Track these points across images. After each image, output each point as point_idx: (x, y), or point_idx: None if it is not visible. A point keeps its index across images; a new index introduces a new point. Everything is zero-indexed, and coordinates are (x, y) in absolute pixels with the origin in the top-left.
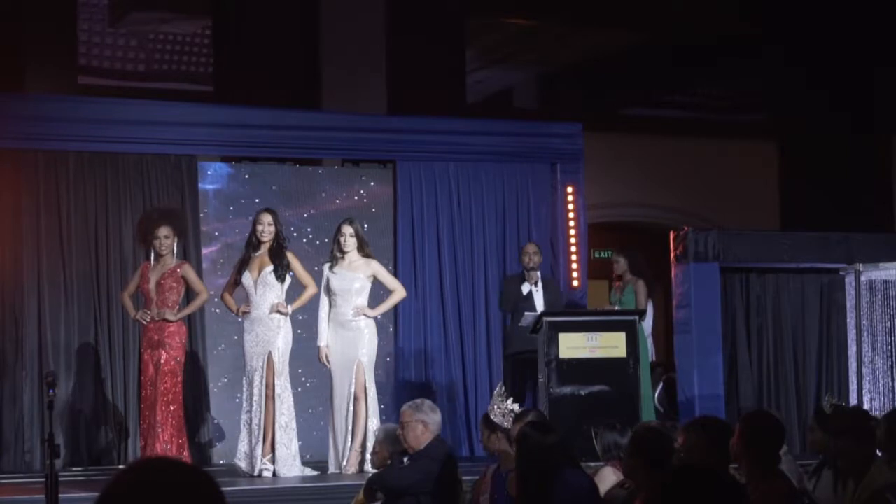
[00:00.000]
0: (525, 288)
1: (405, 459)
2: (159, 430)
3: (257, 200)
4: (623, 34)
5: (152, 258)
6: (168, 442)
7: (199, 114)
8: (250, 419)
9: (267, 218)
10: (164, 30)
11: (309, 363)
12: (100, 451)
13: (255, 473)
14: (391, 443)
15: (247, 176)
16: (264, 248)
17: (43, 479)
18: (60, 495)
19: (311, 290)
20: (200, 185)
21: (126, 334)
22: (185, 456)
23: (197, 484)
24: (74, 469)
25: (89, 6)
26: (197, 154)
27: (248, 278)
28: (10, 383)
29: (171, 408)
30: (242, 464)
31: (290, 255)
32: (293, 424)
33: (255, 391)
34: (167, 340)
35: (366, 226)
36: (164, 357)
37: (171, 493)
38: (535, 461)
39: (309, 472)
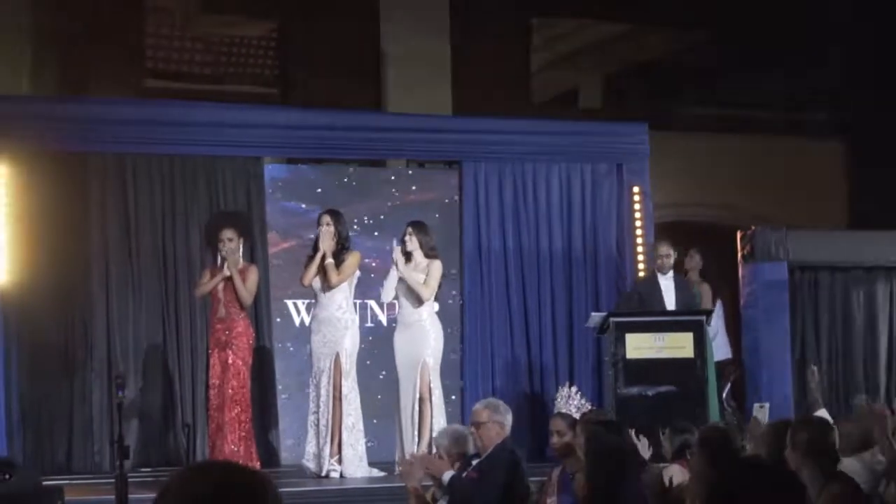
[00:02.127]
0: (663, 284)
1: (473, 462)
2: (227, 432)
3: (323, 202)
4: (688, 32)
5: (219, 260)
6: (236, 444)
7: (266, 116)
8: (317, 420)
9: (326, 219)
10: (231, 33)
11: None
12: (168, 452)
13: (323, 474)
14: (457, 445)
15: (312, 177)
16: (328, 250)
17: (112, 480)
18: (130, 496)
19: (329, 271)
20: (266, 186)
21: (194, 335)
22: (254, 457)
23: (252, 488)
24: (143, 470)
25: (157, 10)
26: (263, 156)
27: (315, 280)
28: (80, 385)
29: (239, 409)
30: (311, 465)
31: (352, 256)
32: (360, 425)
33: (322, 392)
34: (235, 341)
35: (432, 227)
36: (231, 358)
37: (225, 497)
38: (605, 461)
39: (376, 472)
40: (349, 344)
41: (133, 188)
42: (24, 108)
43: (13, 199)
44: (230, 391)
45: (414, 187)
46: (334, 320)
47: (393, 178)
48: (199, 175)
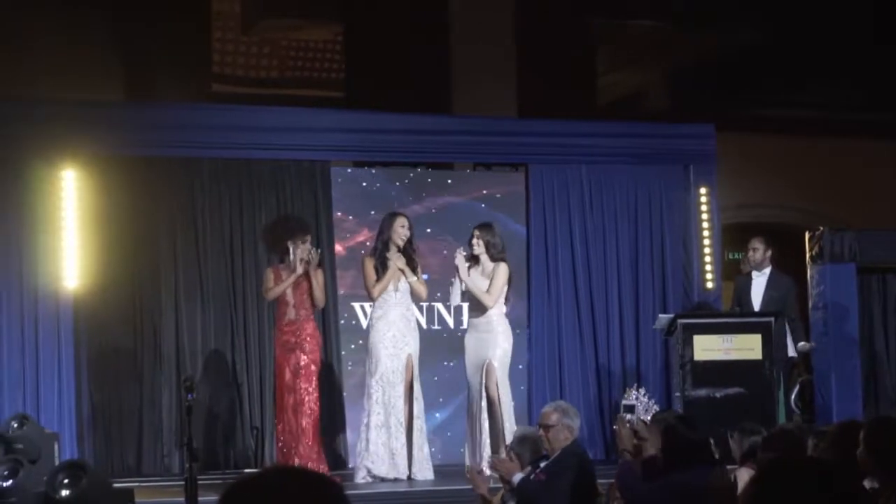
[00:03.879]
0: (755, 281)
1: (541, 464)
2: (301, 435)
3: (390, 205)
4: (753, 33)
5: (293, 262)
6: (309, 447)
7: (332, 120)
8: (379, 420)
9: (399, 221)
10: (296, 36)
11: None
12: (237, 455)
13: (390, 476)
14: (528, 448)
15: (379, 181)
16: (398, 252)
17: (182, 483)
18: (199, 499)
19: (416, 286)
20: (333, 190)
21: (261, 338)
22: (322, 460)
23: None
24: (211, 473)
25: (222, 14)
26: (329, 159)
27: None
28: (149, 388)
29: (310, 411)
30: (370, 465)
31: (418, 259)
32: (425, 427)
33: (390, 393)
34: (305, 343)
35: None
36: (302, 360)
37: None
38: (678, 454)
39: (441, 474)
40: (417, 344)
41: (200, 192)
42: (93, 113)
43: (83, 205)
44: (301, 394)
45: (480, 190)
46: (404, 321)
47: (459, 180)
48: (265, 179)
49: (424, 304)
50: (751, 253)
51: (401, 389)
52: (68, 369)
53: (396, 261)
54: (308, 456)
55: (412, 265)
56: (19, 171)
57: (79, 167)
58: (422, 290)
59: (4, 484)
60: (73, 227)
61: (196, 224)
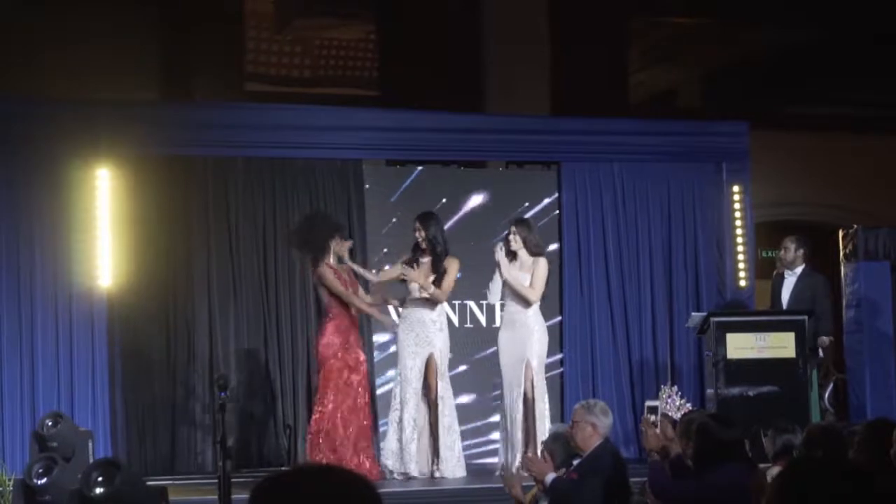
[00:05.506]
0: (787, 280)
1: (573, 463)
2: (353, 434)
3: (423, 204)
4: (785, 31)
5: (346, 258)
6: (362, 448)
7: (365, 118)
8: (400, 418)
9: (417, 224)
10: (329, 35)
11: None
12: (269, 452)
13: (397, 470)
14: (561, 446)
15: (411, 179)
16: (426, 253)
17: (215, 481)
18: (232, 496)
19: (437, 292)
20: (366, 188)
21: (294, 336)
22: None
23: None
24: (244, 471)
25: (256, 14)
26: (362, 158)
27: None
28: (182, 386)
29: (360, 410)
30: (389, 462)
31: (448, 261)
32: (455, 426)
33: (411, 391)
34: (357, 341)
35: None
36: (361, 357)
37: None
38: (708, 452)
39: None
40: (442, 344)
41: (234, 191)
42: (127, 112)
43: (117, 204)
44: (357, 390)
45: (512, 188)
46: (428, 321)
47: (492, 179)
48: (299, 178)
49: (457, 303)
50: (782, 252)
51: (418, 387)
52: (102, 368)
53: (399, 268)
54: (363, 461)
55: (439, 270)
56: (55, 171)
57: (113, 166)
58: (440, 298)
59: (39, 482)
60: (107, 227)
61: (229, 223)
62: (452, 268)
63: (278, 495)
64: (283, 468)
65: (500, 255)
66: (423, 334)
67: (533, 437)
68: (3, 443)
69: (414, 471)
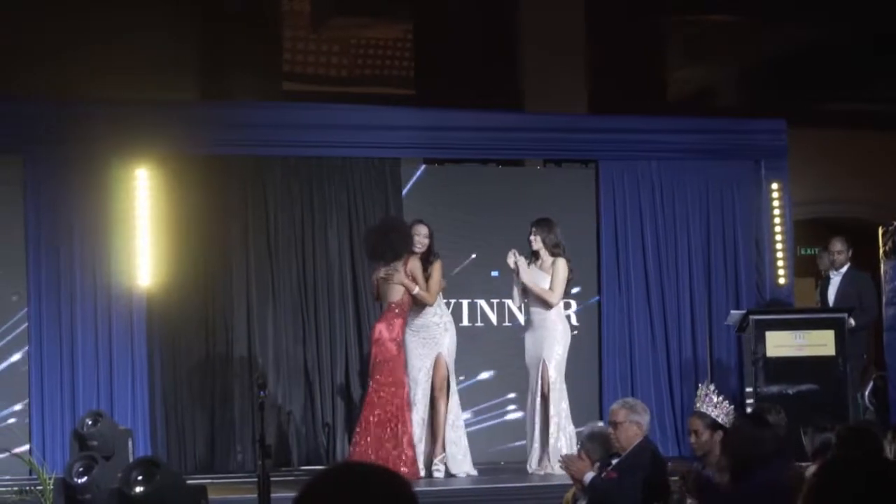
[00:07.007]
0: (833, 280)
1: (612, 462)
2: (402, 434)
3: (459, 203)
4: (823, 27)
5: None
6: (405, 447)
7: (402, 117)
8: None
9: (415, 230)
10: (366, 35)
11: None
12: (309, 452)
13: (426, 473)
14: (598, 445)
15: (448, 179)
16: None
17: (254, 480)
18: (272, 495)
19: (424, 294)
20: (403, 187)
21: (333, 335)
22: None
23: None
24: (283, 469)
25: (292, 13)
26: (400, 157)
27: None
28: (221, 385)
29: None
30: None
31: (434, 266)
32: (460, 422)
33: (420, 391)
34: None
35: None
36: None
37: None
38: (741, 452)
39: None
40: (449, 342)
41: (272, 191)
42: (165, 112)
43: (155, 204)
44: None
45: (550, 186)
46: (432, 326)
47: (529, 177)
48: (336, 177)
49: (495, 301)
50: (835, 255)
51: (426, 388)
52: (142, 367)
53: (412, 289)
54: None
55: (426, 272)
56: (94, 171)
57: (152, 167)
58: (425, 298)
59: (79, 480)
60: (146, 226)
61: (267, 222)
62: (437, 270)
63: (327, 496)
64: (323, 467)
65: (512, 260)
66: (428, 336)
67: (554, 437)
68: (44, 442)
69: (422, 470)
